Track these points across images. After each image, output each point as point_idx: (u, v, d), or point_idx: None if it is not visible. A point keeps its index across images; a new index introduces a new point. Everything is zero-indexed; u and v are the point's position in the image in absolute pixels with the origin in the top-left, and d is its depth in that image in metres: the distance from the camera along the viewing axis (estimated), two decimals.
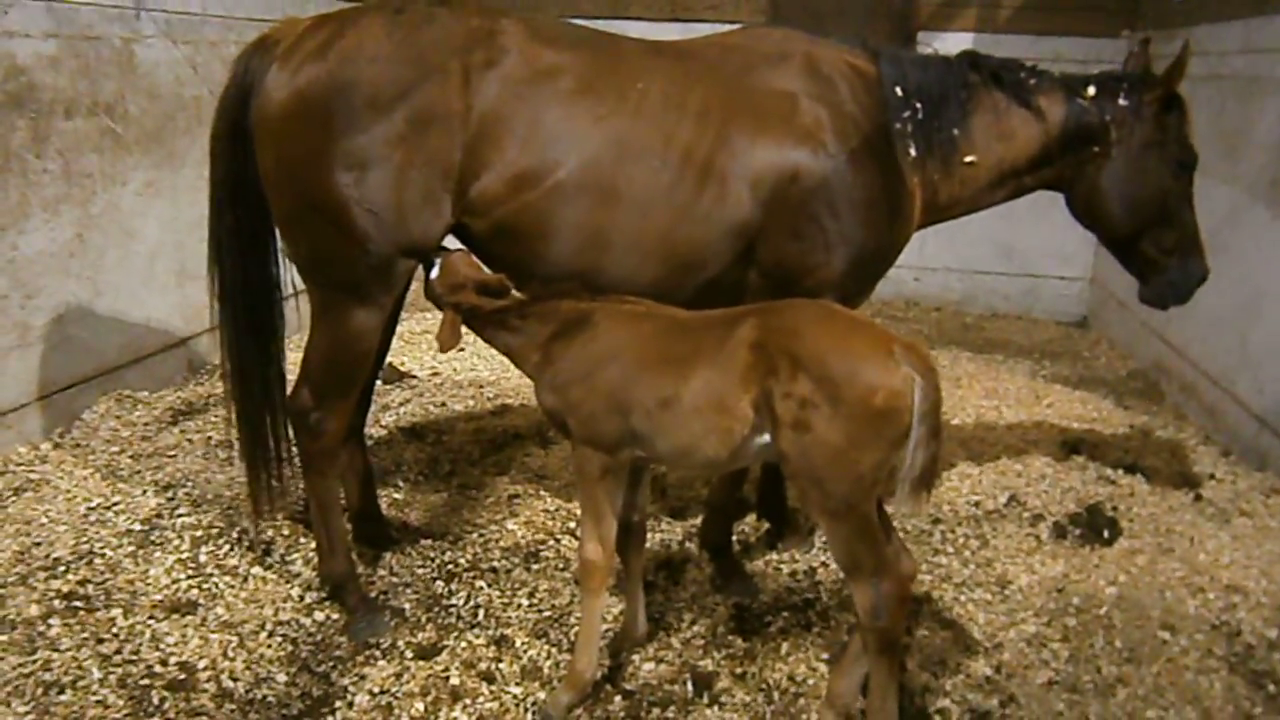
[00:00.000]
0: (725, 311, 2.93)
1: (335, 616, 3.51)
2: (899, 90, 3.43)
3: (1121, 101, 3.59)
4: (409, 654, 3.32)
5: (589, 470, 2.92)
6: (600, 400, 2.84)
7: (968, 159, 3.53)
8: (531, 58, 3.20)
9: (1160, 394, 6.10)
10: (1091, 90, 3.60)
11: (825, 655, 3.35)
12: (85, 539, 3.86)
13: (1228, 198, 5.40)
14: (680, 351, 2.79)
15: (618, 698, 3.14)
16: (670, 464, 2.93)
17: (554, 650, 3.34)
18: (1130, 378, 6.46)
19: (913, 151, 3.42)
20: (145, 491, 4.26)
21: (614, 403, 2.82)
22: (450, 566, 3.84)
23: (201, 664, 3.20)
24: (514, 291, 3.09)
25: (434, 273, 3.08)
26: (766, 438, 2.69)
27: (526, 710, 3.06)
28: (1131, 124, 3.59)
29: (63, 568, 3.66)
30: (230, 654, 3.26)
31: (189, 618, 3.43)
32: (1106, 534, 4.15)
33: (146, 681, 3.10)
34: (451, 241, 3.25)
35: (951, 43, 7.41)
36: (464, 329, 3.09)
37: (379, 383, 4.86)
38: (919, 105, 3.44)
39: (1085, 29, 7.55)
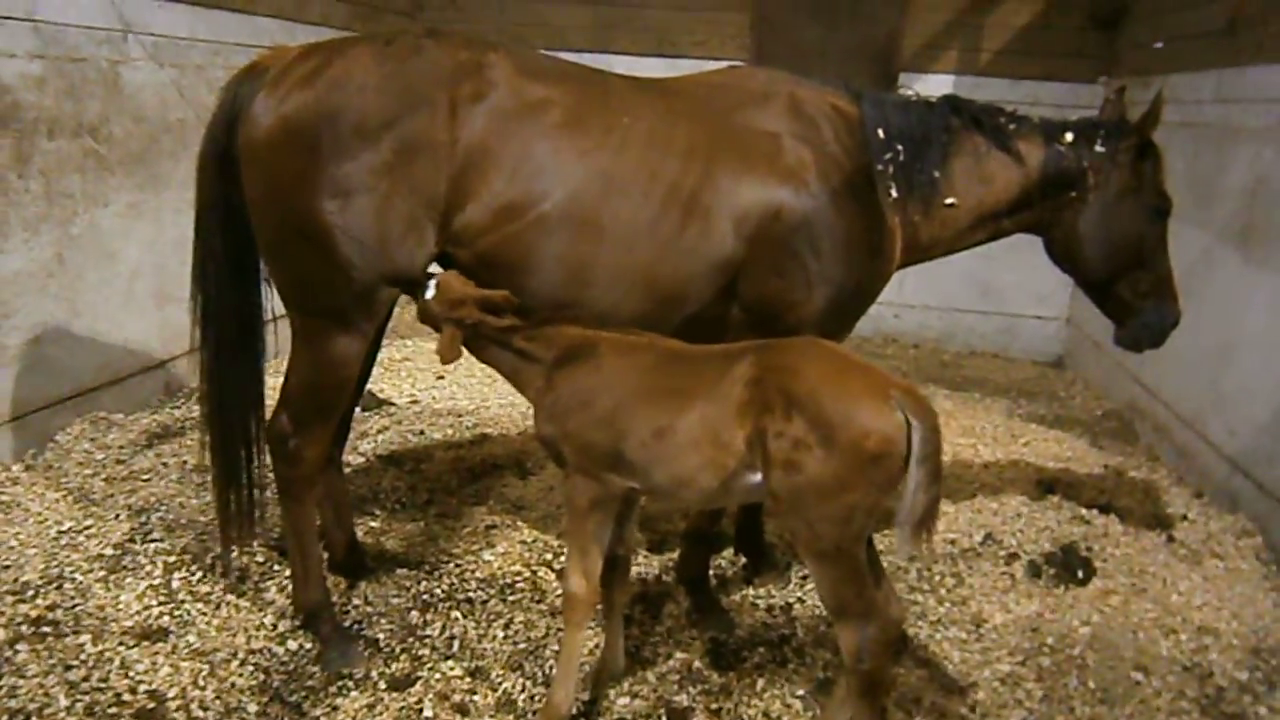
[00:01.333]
0: (726, 346, 2.95)
1: (308, 646, 3.48)
2: (881, 132, 3.49)
3: (1098, 148, 3.66)
4: (382, 685, 3.29)
5: (580, 502, 2.91)
6: (597, 429, 2.85)
7: (948, 201, 3.58)
8: (518, 91, 3.22)
9: (1134, 435, 6.17)
10: (1069, 136, 3.66)
11: (801, 692, 3.34)
12: (55, 563, 3.81)
13: (1201, 243, 5.50)
14: (679, 384, 2.81)
15: None
16: (663, 496, 2.93)
17: (529, 683, 3.32)
18: (1105, 418, 6.52)
19: (894, 192, 3.47)
20: (118, 515, 4.21)
21: (611, 432, 2.83)
22: (426, 597, 3.81)
23: (171, 692, 3.16)
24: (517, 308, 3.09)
25: (429, 293, 3.08)
26: (759, 476, 2.69)
27: None
28: (1108, 170, 3.65)
29: (31, 592, 3.61)
30: (201, 682, 3.22)
31: (159, 645, 3.39)
32: (1081, 574, 4.18)
33: (115, 710, 3.06)
34: (436, 269, 3.25)
35: (933, 84, 7.53)
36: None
37: (358, 410, 4.84)
38: (900, 147, 3.49)
39: (1063, 74, 7.70)
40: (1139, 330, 3.93)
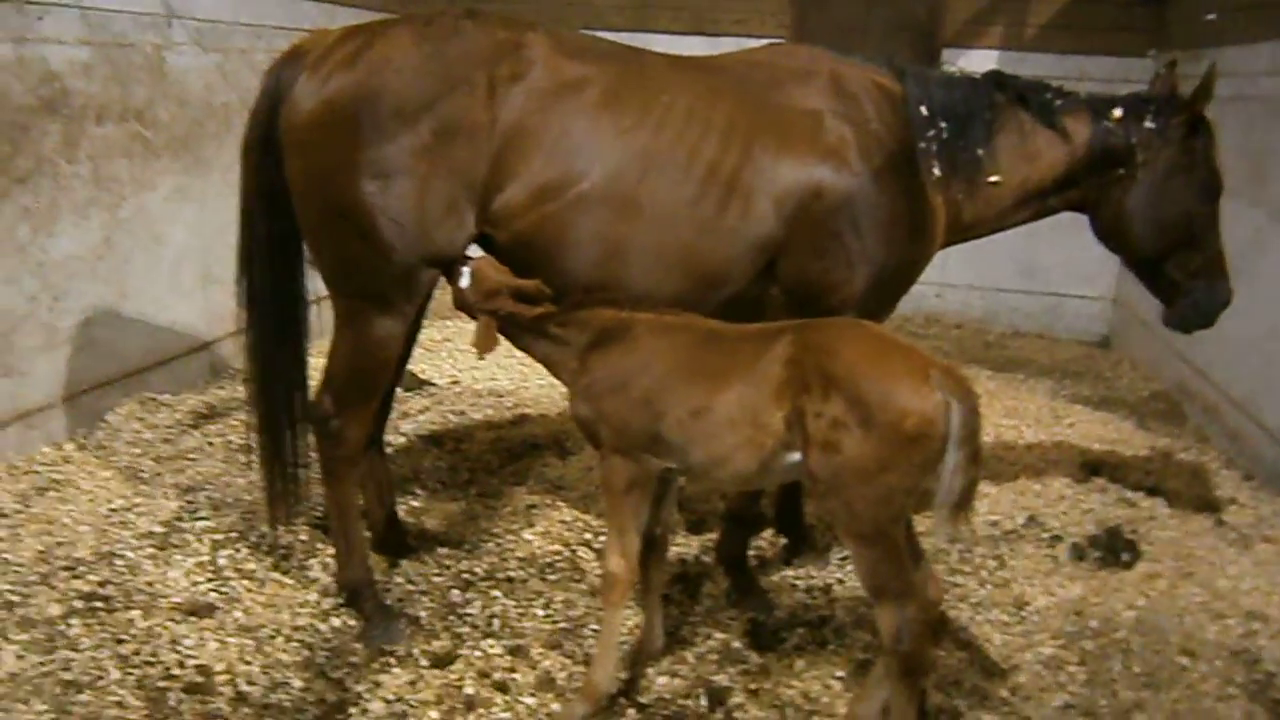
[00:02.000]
0: (764, 326, 2.95)
1: (351, 623, 3.53)
2: (924, 109, 3.44)
3: (1147, 124, 3.58)
4: (424, 662, 3.33)
5: (617, 482, 2.92)
6: (634, 410, 2.85)
7: (992, 179, 3.52)
8: (557, 70, 3.22)
9: (1182, 416, 6.05)
10: (1118, 112, 3.59)
11: (840, 673, 3.34)
12: (106, 540, 3.90)
13: (1254, 220, 5.36)
14: (717, 364, 2.81)
15: (631, 711, 3.14)
16: (701, 476, 2.93)
17: (568, 661, 3.34)
18: (1152, 399, 6.41)
19: (937, 171, 3.42)
20: (166, 494, 4.30)
21: (648, 412, 2.83)
22: (466, 575, 3.85)
23: (219, 667, 3.22)
24: (551, 297, 3.10)
25: (464, 281, 3.10)
26: (798, 455, 2.69)
27: None
28: (1157, 147, 3.58)
29: (84, 568, 3.69)
30: (247, 658, 3.28)
31: (207, 621, 3.46)
32: (1126, 557, 4.12)
33: (164, 683, 3.13)
34: (475, 251, 3.27)
35: (977, 60, 7.41)
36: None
37: (399, 390, 4.89)
38: (944, 124, 3.44)
39: (1112, 48, 7.53)
40: (1188, 310, 3.84)
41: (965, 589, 3.90)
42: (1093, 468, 5.04)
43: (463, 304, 3.13)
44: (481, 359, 6.34)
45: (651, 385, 2.85)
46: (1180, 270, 3.78)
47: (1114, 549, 4.16)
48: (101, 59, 4.80)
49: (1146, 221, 3.65)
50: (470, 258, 3.18)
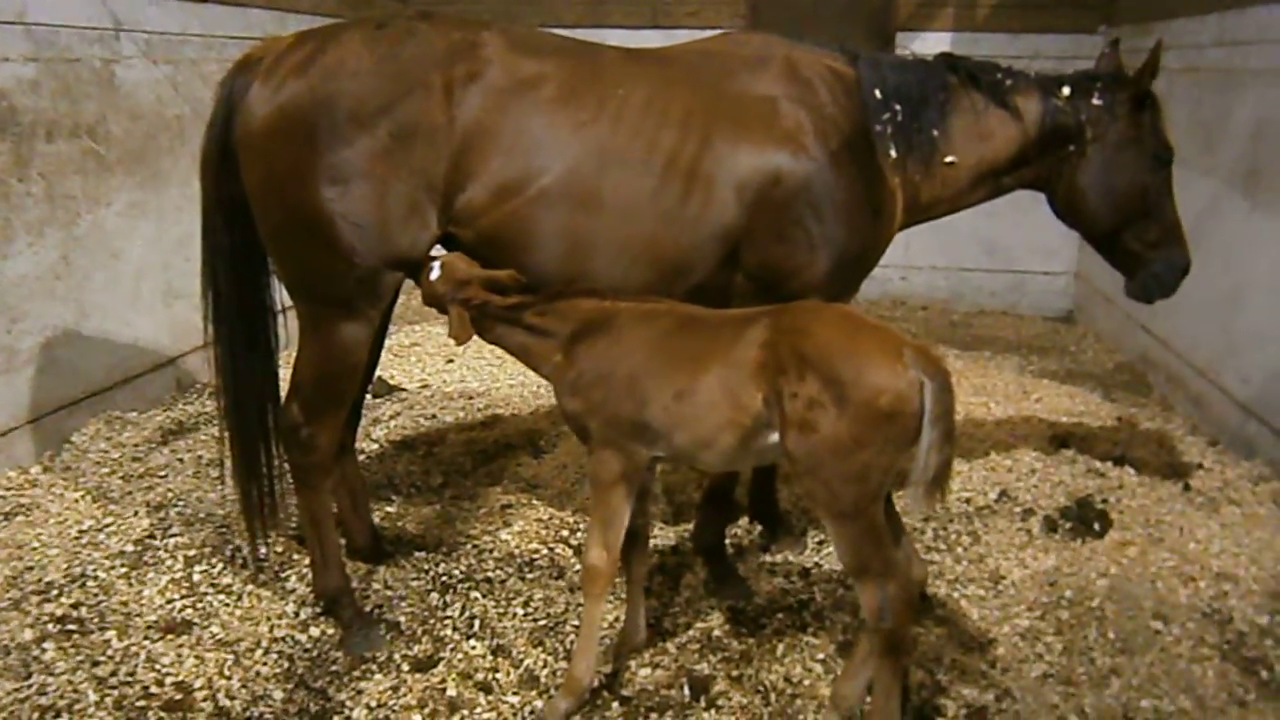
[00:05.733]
0: (742, 310, 2.98)
1: (331, 632, 3.51)
2: (878, 93, 3.46)
3: (1095, 101, 3.63)
4: (405, 667, 3.32)
5: (606, 475, 2.93)
6: (621, 398, 2.86)
7: (947, 159, 3.56)
8: (512, 68, 3.21)
9: (1147, 386, 6.15)
10: (1066, 90, 3.63)
11: (821, 656, 3.36)
12: (78, 562, 3.85)
13: (1207, 189, 5.45)
14: (697, 347, 2.83)
15: (615, 704, 3.14)
16: (687, 460, 2.94)
17: (550, 658, 3.34)
18: (1117, 370, 6.50)
19: (893, 153, 3.45)
20: (137, 512, 4.25)
21: (634, 399, 2.84)
22: (445, 578, 3.84)
23: (198, 683, 3.19)
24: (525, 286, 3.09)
25: (434, 273, 3.08)
26: (777, 436, 2.71)
27: (524, 719, 3.06)
28: (1106, 123, 3.62)
29: (56, 591, 3.65)
30: (226, 672, 3.26)
31: (184, 637, 3.42)
32: (1097, 526, 4.18)
33: (143, 703, 3.10)
34: (439, 253, 3.26)
35: (930, 42, 7.47)
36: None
37: (369, 396, 4.86)
38: (898, 107, 3.46)
39: (1063, 25, 7.62)
40: (1148, 281, 3.89)
41: (941, 565, 3.94)
42: (1061, 440, 5.10)
43: (432, 297, 3.12)
44: (450, 360, 6.36)
45: (636, 371, 2.86)
46: (1138, 241, 3.83)
47: (1085, 519, 4.22)
48: (49, 75, 4.73)
49: (1100, 196, 3.70)
50: (436, 257, 3.16)
